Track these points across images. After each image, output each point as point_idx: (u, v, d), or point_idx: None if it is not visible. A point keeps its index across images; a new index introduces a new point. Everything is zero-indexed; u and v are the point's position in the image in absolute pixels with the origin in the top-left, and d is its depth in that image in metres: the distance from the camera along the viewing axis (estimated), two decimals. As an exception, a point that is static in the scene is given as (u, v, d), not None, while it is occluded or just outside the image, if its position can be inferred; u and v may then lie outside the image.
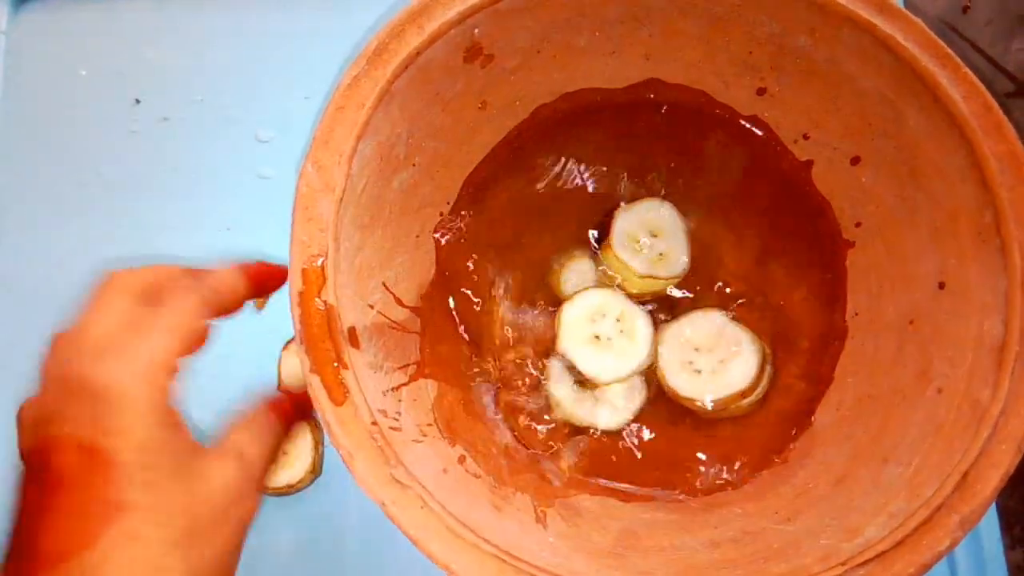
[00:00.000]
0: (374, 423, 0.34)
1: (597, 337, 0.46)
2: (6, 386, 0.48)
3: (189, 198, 0.55)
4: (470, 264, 0.48)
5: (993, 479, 0.34)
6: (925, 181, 0.41)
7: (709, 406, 0.45)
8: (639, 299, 0.48)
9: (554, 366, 0.47)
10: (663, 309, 0.48)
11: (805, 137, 0.46)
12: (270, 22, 0.59)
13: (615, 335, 0.46)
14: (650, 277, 0.47)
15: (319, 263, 0.36)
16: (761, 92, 0.46)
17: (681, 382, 0.46)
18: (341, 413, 0.34)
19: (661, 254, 0.48)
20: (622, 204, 0.49)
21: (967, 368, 0.38)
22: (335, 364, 0.34)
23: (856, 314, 0.45)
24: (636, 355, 0.46)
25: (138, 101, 0.55)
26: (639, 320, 0.47)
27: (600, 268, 0.49)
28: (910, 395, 0.40)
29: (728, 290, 0.48)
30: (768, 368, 0.46)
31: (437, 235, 0.47)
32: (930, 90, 0.39)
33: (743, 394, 0.45)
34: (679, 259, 0.48)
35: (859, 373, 0.44)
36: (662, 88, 0.47)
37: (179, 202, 0.55)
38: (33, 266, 0.52)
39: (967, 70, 0.39)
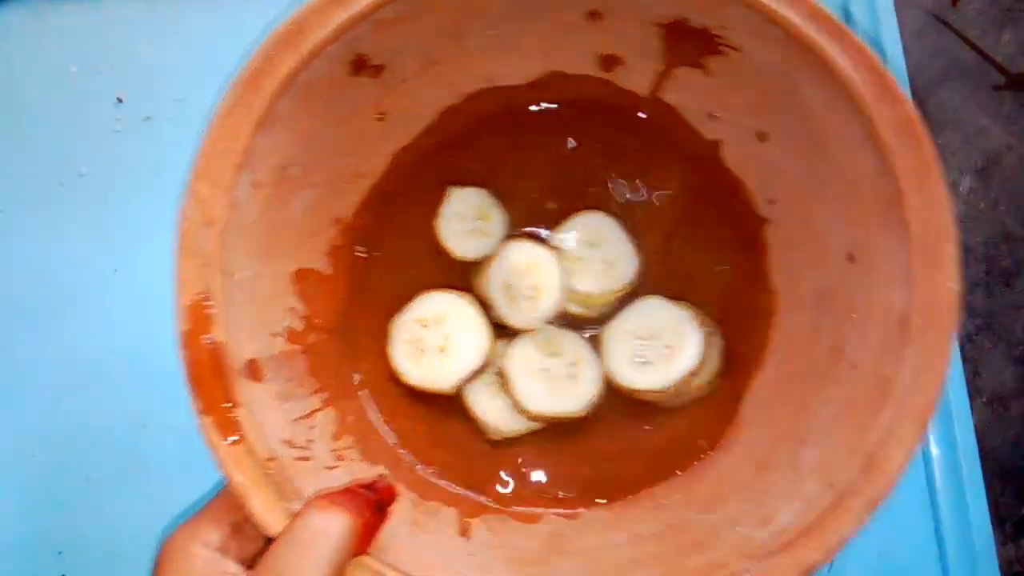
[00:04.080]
0: (271, 459, 0.34)
1: (415, 342, 0.46)
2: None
3: (172, 199, 0.54)
4: (387, 280, 0.47)
5: (898, 458, 0.33)
6: (829, 153, 0.40)
7: (663, 394, 0.45)
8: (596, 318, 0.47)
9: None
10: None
11: (711, 117, 0.45)
12: (253, 19, 0.57)
13: (432, 348, 0.45)
14: (607, 295, 0.47)
15: (204, 300, 0.35)
16: (663, 75, 0.45)
17: (634, 377, 0.45)
18: (234, 452, 0.34)
19: (606, 262, 0.47)
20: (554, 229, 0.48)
21: (877, 343, 0.37)
22: (225, 403, 0.34)
23: (775, 292, 0.44)
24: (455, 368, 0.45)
25: (120, 100, 0.54)
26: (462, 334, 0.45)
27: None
28: (826, 373, 0.39)
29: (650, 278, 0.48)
30: (718, 341, 0.46)
31: (349, 252, 0.46)
32: (821, 61, 0.38)
33: (693, 373, 0.44)
34: (628, 263, 0.47)
35: (779, 352, 0.43)
36: (565, 80, 0.46)
37: (162, 203, 0.53)
38: (11, 268, 0.52)
39: (855, 38, 0.37)
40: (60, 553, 0.48)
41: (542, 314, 0.45)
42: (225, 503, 0.35)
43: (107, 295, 0.52)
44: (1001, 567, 0.50)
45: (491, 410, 0.45)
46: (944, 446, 0.50)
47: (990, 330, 0.62)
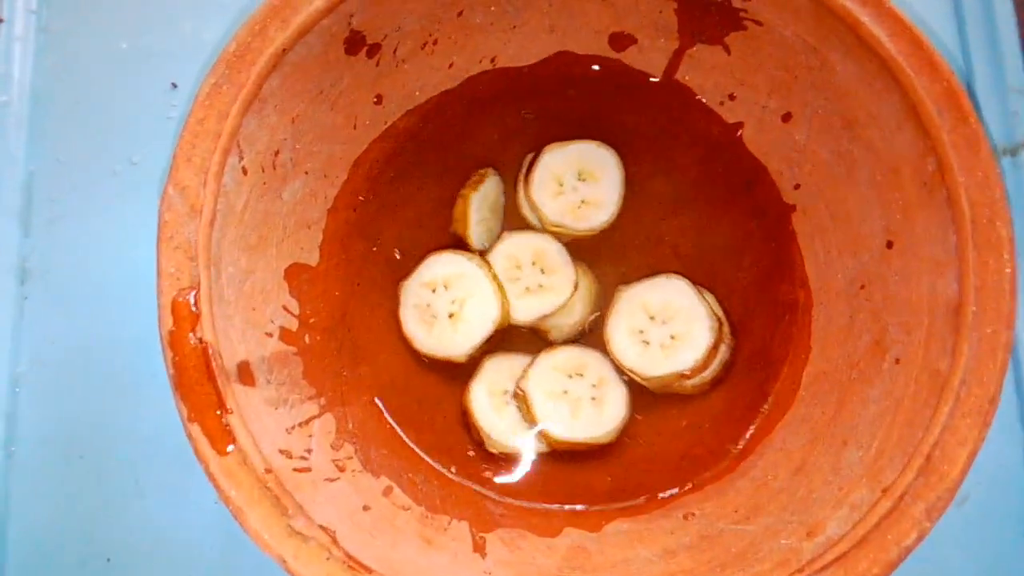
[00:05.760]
0: (268, 470, 0.31)
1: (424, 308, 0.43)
2: (42, 378, 0.46)
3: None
4: (386, 275, 0.44)
5: (960, 459, 0.30)
6: (861, 132, 0.38)
7: (647, 381, 0.42)
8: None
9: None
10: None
11: (731, 98, 0.42)
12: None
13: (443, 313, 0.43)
14: (560, 228, 0.44)
15: (190, 296, 0.32)
16: (678, 54, 0.42)
17: (627, 352, 0.42)
18: (226, 464, 0.30)
19: (583, 201, 0.44)
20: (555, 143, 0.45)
21: (923, 334, 0.34)
22: (216, 410, 0.31)
23: (806, 284, 0.42)
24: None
25: (175, 85, 0.50)
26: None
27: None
28: (866, 369, 0.37)
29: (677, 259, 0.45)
30: (723, 348, 0.43)
31: (344, 246, 0.43)
32: (852, 31, 0.35)
33: (684, 375, 0.41)
34: (601, 211, 0.44)
35: (812, 348, 0.40)
36: (573, 61, 0.44)
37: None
38: (65, 258, 0.48)
39: (890, 5, 0.35)
40: (108, 560, 0.44)
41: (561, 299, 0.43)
42: None
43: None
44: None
45: (494, 422, 0.42)
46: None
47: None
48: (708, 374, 0.42)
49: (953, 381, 0.32)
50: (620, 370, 0.43)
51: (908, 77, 0.34)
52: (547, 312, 0.43)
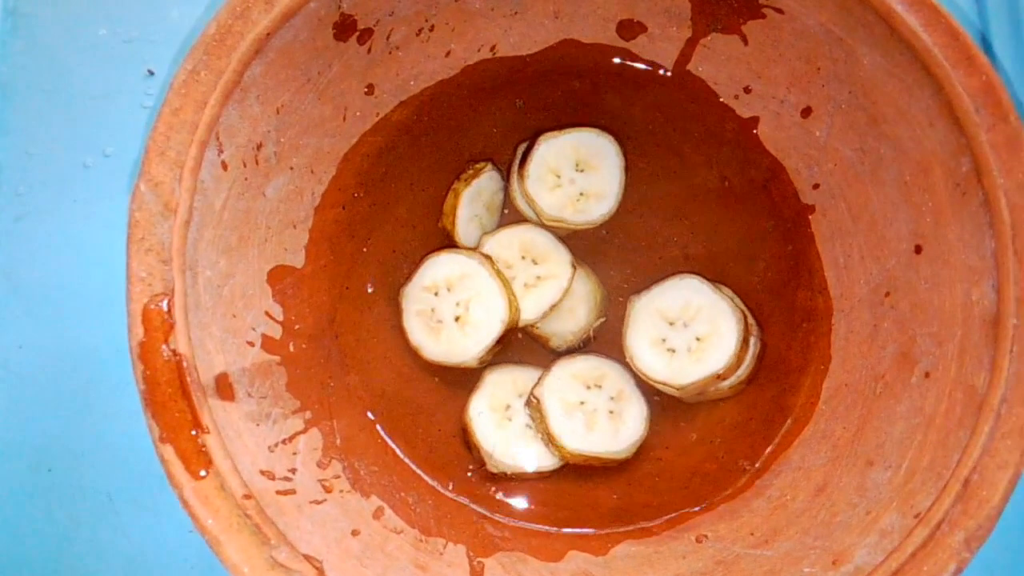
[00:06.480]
0: (247, 495, 0.28)
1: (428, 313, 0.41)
2: (7, 386, 0.44)
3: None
4: (377, 278, 0.41)
5: (1001, 483, 0.28)
6: (888, 129, 0.35)
7: (681, 391, 0.39)
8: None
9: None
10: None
11: (747, 91, 0.40)
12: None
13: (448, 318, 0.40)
14: (559, 222, 0.41)
15: (163, 303, 0.29)
16: (691, 44, 0.40)
17: (653, 364, 0.39)
18: (202, 489, 0.27)
19: (582, 194, 0.41)
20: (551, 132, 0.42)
21: (956, 346, 0.32)
22: (191, 430, 0.28)
23: (825, 290, 0.39)
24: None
25: (151, 72, 0.47)
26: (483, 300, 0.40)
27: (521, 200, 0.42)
28: (892, 382, 0.34)
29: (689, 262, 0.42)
30: (753, 341, 0.40)
31: (332, 246, 0.40)
32: (883, 20, 0.33)
33: (720, 376, 0.39)
34: (602, 203, 0.41)
35: (832, 358, 0.38)
36: (578, 50, 0.41)
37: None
38: (32, 257, 0.45)
39: (925, -7, 0.32)
40: (79, 580, 0.42)
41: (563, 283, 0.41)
42: None
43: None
44: None
45: (496, 441, 0.39)
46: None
47: None
48: (743, 371, 0.39)
49: (992, 398, 0.29)
50: (644, 384, 0.40)
51: (943, 70, 0.32)
52: (554, 301, 0.41)
